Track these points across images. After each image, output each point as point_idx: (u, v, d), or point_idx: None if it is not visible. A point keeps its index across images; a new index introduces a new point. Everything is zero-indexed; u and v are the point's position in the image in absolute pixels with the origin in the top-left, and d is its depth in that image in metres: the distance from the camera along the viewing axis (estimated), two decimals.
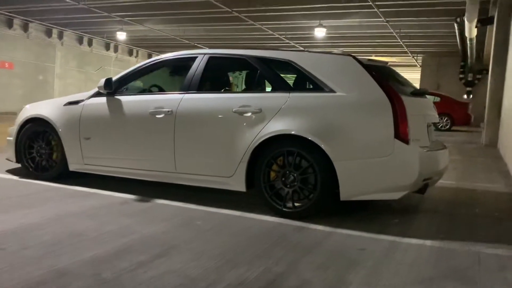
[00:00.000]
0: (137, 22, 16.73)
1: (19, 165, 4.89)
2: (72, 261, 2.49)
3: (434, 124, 4.12)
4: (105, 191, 4.24)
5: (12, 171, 5.04)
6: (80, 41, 21.35)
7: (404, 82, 4.03)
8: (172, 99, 4.07)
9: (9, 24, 17.76)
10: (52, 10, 15.44)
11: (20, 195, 4.07)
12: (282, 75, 3.94)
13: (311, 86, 3.78)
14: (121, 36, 18.59)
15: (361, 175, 3.43)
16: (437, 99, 16.16)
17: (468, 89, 21.55)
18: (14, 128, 4.86)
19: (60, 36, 20.16)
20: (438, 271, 2.55)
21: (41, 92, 18.89)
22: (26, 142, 4.74)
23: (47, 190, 4.28)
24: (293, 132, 3.53)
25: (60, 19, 17.29)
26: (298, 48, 19.75)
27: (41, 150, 4.70)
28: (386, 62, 4.30)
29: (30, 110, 4.85)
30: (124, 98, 4.32)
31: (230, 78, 5.00)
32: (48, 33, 19.55)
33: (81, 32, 20.47)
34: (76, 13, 15.40)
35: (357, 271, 2.50)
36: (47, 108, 4.71)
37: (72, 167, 4.54)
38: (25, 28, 18.42)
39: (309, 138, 3.45)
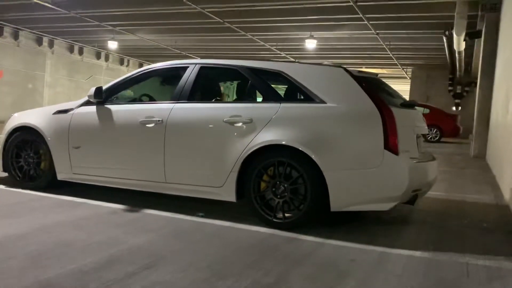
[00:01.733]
0: (128, 32, 16.72)
1: (6, 174, 4.83)
2: (58, 272, 2.45)
3: (424, 135, 4.15)
4: (93, 200, 4.20)
5: None
6: (70, 49, 21.27)
7: (394, 94, 4.06)
8: (162, 108, 4.06)
9: None
10: (43, 19, 15.38)
11: (7, 204, 4.01)
12: (273, 85, 3.96)
13: (302, 97, 3.79)
14: (112, 45, 18.57)
15: (351, 185, 3.44)
16: (427, 110, 16.35)
17: (457, 101, 21.86)
18: (1, 137, 4.81)
19: (51, 45, 20.08)
20: (427, 282, 2.56)
21: (31, 101, 18.75)
22: (14, 151, 4.68)
23: (34, 199, 4.22)
24: (283, 143, 3.53)
25: (51, 28, 17.23)
26: (289, 59, 19.87)
27: (29, 159, 4.64)
28: (376, 74, 4.35)
29: (19, 118, 4.81)
30: (114, 107, 4.30)
31: (221, 88, 5.01)
32: (39, 41, 19.46)
33: (72, 40, 20.41)
34: (67, 21, 15.36)
35: (346, 282, 2.49)
36: (35, 117, 4.67)
37: (61, 176, 4.49)
38: (15, 36, 18.32)
39: (300, 149, 3.46)
